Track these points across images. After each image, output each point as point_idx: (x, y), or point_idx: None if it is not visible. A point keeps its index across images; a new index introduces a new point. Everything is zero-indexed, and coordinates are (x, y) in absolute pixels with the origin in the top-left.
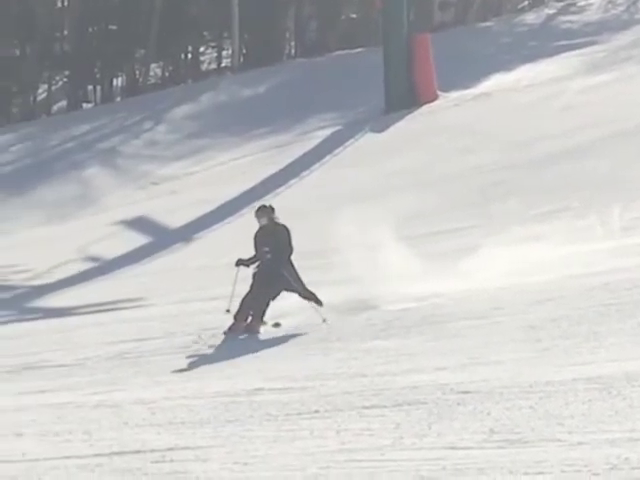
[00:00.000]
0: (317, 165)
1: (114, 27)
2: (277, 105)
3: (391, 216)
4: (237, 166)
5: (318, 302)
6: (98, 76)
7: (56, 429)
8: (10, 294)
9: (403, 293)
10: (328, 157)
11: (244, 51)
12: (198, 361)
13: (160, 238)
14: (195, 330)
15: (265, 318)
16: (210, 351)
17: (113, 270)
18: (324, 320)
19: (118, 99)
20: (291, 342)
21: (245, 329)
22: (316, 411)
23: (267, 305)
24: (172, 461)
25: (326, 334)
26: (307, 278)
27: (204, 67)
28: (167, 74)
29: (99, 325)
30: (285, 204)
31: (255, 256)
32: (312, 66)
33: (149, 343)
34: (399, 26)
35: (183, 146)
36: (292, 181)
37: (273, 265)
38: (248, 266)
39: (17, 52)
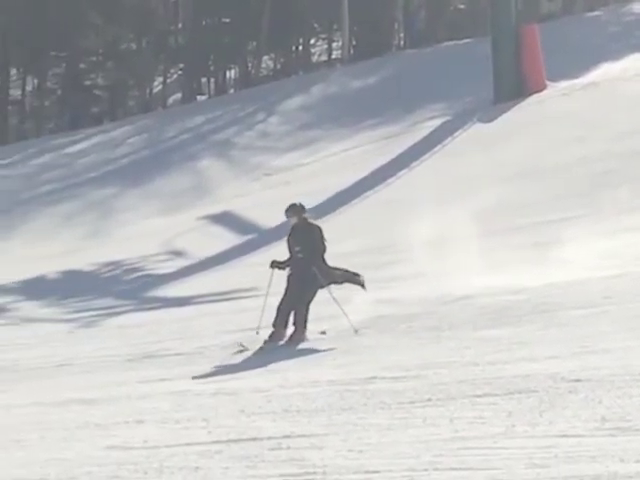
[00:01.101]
0: (427, 155)
1: (227, 20)
2: (387, 96)
3: (499, 206)
4: (348, 157)
5: (360, 282)
6: (212, 68)
7: (176, 416)
8: (130, 284)
9: (510, 282)
10: (438, 147)
11: (354, 43)
12: (312, 350)
13: (275, 228)
14: (310, 320)
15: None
16: (324, 340)
17: (229, 260)
18: (356, 331)
19: (231, 91)
20: (403, 332)
21: (291, 341)
22: (429, 399)
23: (307, 311)
24: (288, 448)
25: (438, 323)
26: (414, 269)
27: (315, 59)
28: (278, 66)
29: (216, 314)
30: (395, 194)
31: (290, 258)
32: (421, 57)
33: (265, 332)
34: (507, 17)
35: (295, 137)
36: (402, 172)
37: (305, 264)
38: (283, 269)
39: (133, 46)
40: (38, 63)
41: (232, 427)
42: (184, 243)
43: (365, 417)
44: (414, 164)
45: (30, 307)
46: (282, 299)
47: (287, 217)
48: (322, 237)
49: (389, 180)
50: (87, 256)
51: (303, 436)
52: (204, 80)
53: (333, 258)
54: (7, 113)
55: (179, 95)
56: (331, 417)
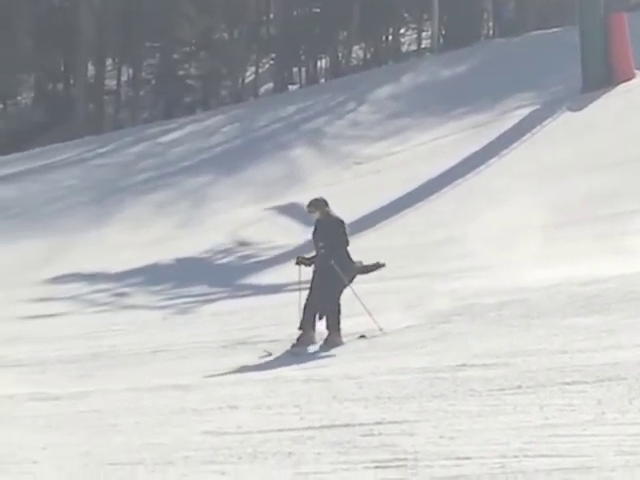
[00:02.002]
0: (516, 144)
1: (318, 10)
2: (476, 85)
3: (587, 195)
4: (438, 145)
5: (378, 267)
6: (303, 58)
7: (269, 402)
8: (224, 272)
9: (598, 271)
10: (527, 136)
11: (443, 32)
12: (402, 337)
13: (365, 217)
14: (397, 307)
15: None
16: (413, 328)
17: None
18: (381, 329)
19: (322, 80)
20: (493, 319)
21: (326, 345)
22: (519, 387)
23: (339, 312)
24: (380, 435)
25: (527, 311)
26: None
27: (404, 48)
28: (369, 55)
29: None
30: (485, 183)
31: (315, 254)
32: (510, 46)
33: (353, 320)
34: (595, 6)
35: (385, 126)
36: (492, 160)
37: (325, 259)
38: (309, 265)
39: (226, 36)
40: (133, 53)
41: (324, 413)
42: (276, 231)
43: (455, 404)
44: (503, 152)
45: (126, 294)
46: (307, 298)
47: (309, 212)
48: (344, 231)
49: (479, 168)
50: (180, 244)
51: (394, 422)
52: (295, 70)
53: (423, 247)
54: (103, 103)
55: (271, 85)
56: (422, 404)
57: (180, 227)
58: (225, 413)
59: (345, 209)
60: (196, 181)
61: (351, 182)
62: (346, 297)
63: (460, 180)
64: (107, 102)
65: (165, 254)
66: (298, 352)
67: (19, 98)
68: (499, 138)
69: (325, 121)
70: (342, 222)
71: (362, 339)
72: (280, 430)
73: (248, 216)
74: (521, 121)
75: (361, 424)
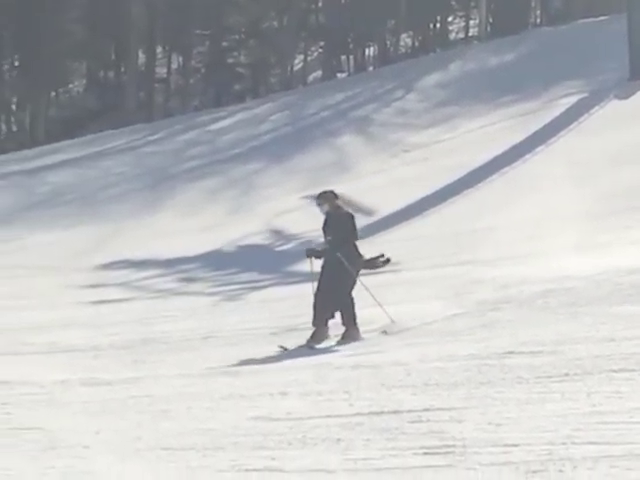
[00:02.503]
0: (563, 132)
1: None
2: (523, 73)
3: (633, 183)
4: (485, 133)
5: (384, 262)
6: (351, 46)
7: (318, 389)
8: (273, 259)
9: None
10: (574, 124)
11: (491, 20)
12: (450, 325)
13: (412, 205)
14: (446, 294)
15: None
16: (461, 315)
17: (368, 236)
18: (392, 321)
19: (370, 68)
20: (540, 307)
21: (343, 340)
22: (566, 374)
23: (352, 306)
24: (428, 421)
25: (574, 299)
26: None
27: (452, 36)
28: (417, 43)
29: (356, 289)
30: (532, 171)
31: (324, 249)
32: (557, 34)
33: (403, 307)
34: None
35: (433, 114)
36: (539, 148)
37: (333, 252)
38: (320, 257)
39: (275, 24)
40: (183, 42)
41: (373, 400)
42: (310, 220)
43: (503, 391)
44: (551, 140)
45: (177, 280)
46: (315, 294)
47: (318, 205)
48: (353, 225)
49: (526, 156)
50: (230, 231)
51: (442, 409)
52: (344, 57)
53: (470, 234)
54: (153, 91)
55: (319, 72)
56: (470, 391)
57: (230, 214)
58: (275, 399)
59: (392, 197)
60: (245, 169)
61: (399, 170)
62: (369, 288)
63: (507, 168)
64: (157, 90)
65: (215, 241)
66: (313, 346)
67: (71, 86)
68: (546, 126)
69: (373, 109)
70: (351, 216)
71: (383, 334)
72: (329, 416)
73: (285, 205)
74: (568, 109)
75: (409, 411)
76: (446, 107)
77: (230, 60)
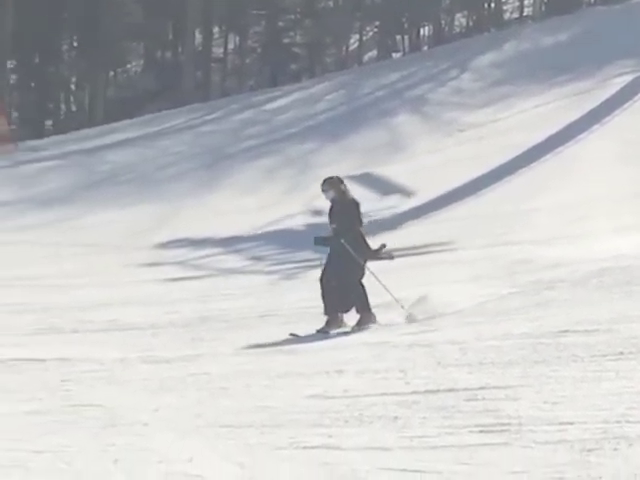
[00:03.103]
0: (618, 111)
1: None
2: (578, 52)
3: None
4: (540, 113)
5: (389, 257)
6: (406, 26)
7: (374, 367)
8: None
9: None
10: (628, 103)
11: (545, 0)
12: (505, 303)
13: (467, 184)
14: (501, 273)
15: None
16: (516, 294)
17: (426, 214)
18: (402, 307)
19: (425, 48)
20: (595, 286)
21: (358, 326)
22: (621, 353)
23: (364, 293)
24: (484, 399)
25: (629, 278)
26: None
27: (506, 16)
28: (471, 23)
29: (411, 268)
30: (586, 150)
31: (332, 236)
32: (611, 13)
33: (458, 286)
34: None
35: (487, 93)
36: (593, 127)
37: (338, 240)
38: (327, 245)
39: (330, 4)
40: (239, 22)
41: (429, 378)
42: (372, 199)
43: (558, 370)
44: (605, 120)
45: (234, 259)
46: (322, 283)
47: (323, 191)
48: (358, 213)
49: (580, 136)
50: (287, 210)
51: (498, 388)
52: (399, 37)
53: (524, 214)
54: (210, 70)
55: (374, 52)
56: (525, 369)
57: (287, 193)
58: (332, 377)
59: (448, 176)
60: (301, 148)
61: (453, 149)
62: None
63: (561, 147)
64: (214, 70)
65: (272, 220)
66: (327, 331)
67: (129, 66)
68: (601, 105)
69: (428, 88)
70: (357, 203)
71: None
72: (385, 394)
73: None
74: (623, 88)
75: (465, 389)
76: (501, 86)
77: (286, 40)
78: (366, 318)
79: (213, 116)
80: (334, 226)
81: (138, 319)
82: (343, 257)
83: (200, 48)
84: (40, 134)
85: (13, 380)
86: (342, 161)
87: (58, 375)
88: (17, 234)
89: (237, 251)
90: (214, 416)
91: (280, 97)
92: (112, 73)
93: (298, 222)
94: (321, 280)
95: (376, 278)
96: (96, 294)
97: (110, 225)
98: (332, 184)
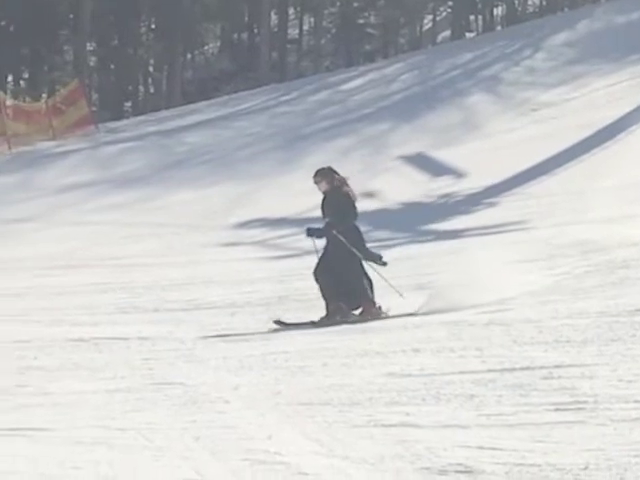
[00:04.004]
0: None
1: None
2: None
3: None
4: (613, 92)
5: (382, 263)
6: (480, 6)
7: (450, 345)
8: (406, 217)
9: None
10: None
11: None
12: (579, 282)
13: (542, 163)
14: (576, 252)
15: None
16: (592, 272)
17: (499, 193)
18: (401, 295)
19: (498, 28)
20: None
21: (362, 317)
22: None
23: (369, 285)
24: (560, 377)
25: None
26: None
27: None
28: (544, 3)
29: (485, 247)
30: None
31: (325, 227)
32: None
33: (533, 265)
34: None
35: (560, 73)
36: None
37: (331, 233)
38: (320, 236)
39: None
40: (314, 2)
41: (505, 356)
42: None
43: (633, 348)
44: None
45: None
46: (320, 276)
47: (315, 182)
48: (350, 204)
49: None
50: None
51: (573, 366)
52: (472, 17)
53: (600, 192)
54: (285, 52)
55: (448, 32)
56: (600, 347)
57: (362, 173)
58: (408, 356)
59: (522, 155)
60: (376, 128)
61: (527, 128)
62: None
63: (635, 126)
64: (289, 51)
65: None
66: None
67: (206, 48)
68: None
69: (501, 68)
70: (348, 195)
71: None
72: (462, 373)
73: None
74: None
75: (541, 367)
76: (574, 66)
77: (360, 20)
78: (369, 310)
79: (288, 97)
80: (327, 219)
81: (217, 298)
82: (339, 250)
83: (276, 29)
84: (119, 116)
85: (97, 359)
86: (416, 141)
87: (140, 354)
88: (98, 214)
89: None
90: (293, 394)
91: (355, 77)
92: (189, 55)
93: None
94: (315, 273)
95: (370, 266)
96: (176, 274)
97: (188, 205)
98: (324, 175)
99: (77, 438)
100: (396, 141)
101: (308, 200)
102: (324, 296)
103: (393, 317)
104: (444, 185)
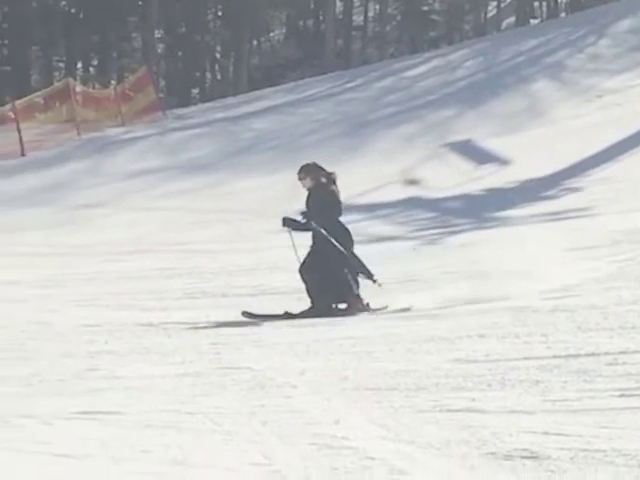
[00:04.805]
0: None
1: None
2: None
3: None
4: None
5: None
6: None
7: (516, 331)
8: (471, 203)
9: None
10: None
11: None
12: None
13: (607, 149)
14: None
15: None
16: None
17: (564, 180)
18: (379, 285)
19: (562, 14)
20: None
21: (349, 311)
22: None
23: (352, 279)
24: (625, 364)
25: None
26: None
27: None
28: None
29: (548, 233)
30: None
31: (307, 222)
32: None
33: (598, 252)
34: None
35: (625, 59)
36: None
37: (316, 231)
38: (297, 230)
39: None
40: None
41: (569, 342)
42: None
43: None
44: None
45: (377, 224)
46: (306, 274)
47: (299, 179)
48: (334, 202)
49: None
50: (429, 176)
51: (639, 352)
52: (536, 4)
53: None
54: (350, 39)
55: (512, 19)
56: None
57: (427, 160)
58: (474, 341)
59: (587, 142)
60: (441, 114)
61: (593, 115)
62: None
63: None
64: (354, 38)
65: (413, 186)
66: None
67: (272, 34)
68: None
69: (566, 54)
70: (331, 192)
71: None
72: (527, 358)
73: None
74: None
75: (606, 353)
76: (638, 52)
77: (425, 7)
78: (354, 305)
79: (353, 84)
80: (312, 221)
81: (283, 284)
82: (327, 248)
83: (341, 16)
84: (187, 102)
85: (166, 343)
86: (481, 127)
87: (208, 338)
88: (166, 200)
89: (379, 217)
90: (359, 379)
91: (419, 64)
92: (255, 42)
93: (441, 187)
94: (300, 271)
95: (353, 256)
96: (243, 259)
97: (255, 191)
98: (308, 171)
99: (147, 422)
100: (461, 127)
101: (374, 186)
102: (309, 294)
103: (378, 312)
104: (511, 172)
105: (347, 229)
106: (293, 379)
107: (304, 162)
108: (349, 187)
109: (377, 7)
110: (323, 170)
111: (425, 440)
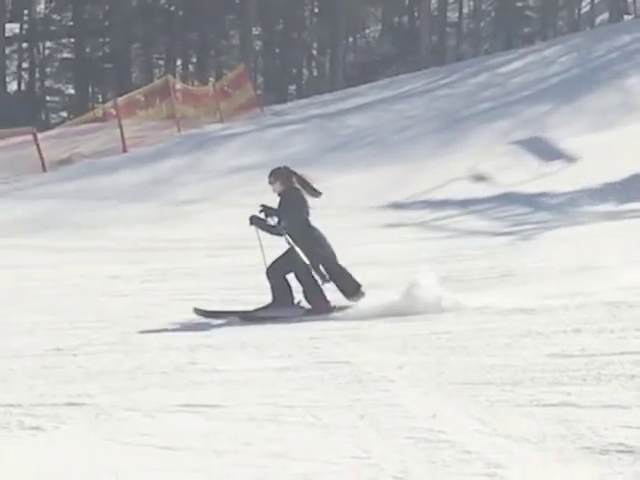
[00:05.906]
0: None
1: None
2: None
3: None
4: None
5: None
6: None
7: (611, 326)
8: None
9: None
10: None
11: None
12: None
13: None
14: None
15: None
16: None
17: None
18: (327, 281)
19: None
20: None
21: (313, 313)
22: None
23: (311, 282)
24: None
25: None
26: None
27: None
28: None
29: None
30: None
31: (275, 226)
32: None
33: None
34: None
35: None
36: None
37: (283, 235)
38: (264, 230)
39: None
40: None
41: None
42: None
43: None
44: None
45: (472, 220)
46: (269, 279)
47: (269, 183)
48: (303, 207)
49: None
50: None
51: None
52: (630, 0)
53: None
54: (445, 35)
55: (606, 15)
56: None
57: (523, 155)
58: (569, 336)
59: None
60: (535, 110)
61: None
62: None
63: None
64: (449, 34)
65: (509, 182)
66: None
67: (367, 31)
68: None
69: None
70: (300, 195)
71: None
72: (622, 353)
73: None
74: None
75: None
76: None
77: (519, 3)
78: (317, 308)
79: (448, 80)
80: (282, 222)
81: (381, 279)
82: (291, 251)
83: (435, 13)
84: (284, 99)
85: (265, 337)
86: (576, 122)
87: (307, 332)
88: (265, 196)
89: (475, 212)
90: (455, 373)
91: (514, 60)
92: (351, 38)
93: (539, 184)
94: (267, 272)
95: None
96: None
97: (351, 187)
98: (278, 176)
99: (248, 415)
100: (556, 123)
101: (468, 181)
102: (274, 294)
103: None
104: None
105: (319, 233)
106: (390, 373)
107: (277, 166)
108: (444, 183)
109: (472, 3)
110: (295, 174)
111: (521, 434)
